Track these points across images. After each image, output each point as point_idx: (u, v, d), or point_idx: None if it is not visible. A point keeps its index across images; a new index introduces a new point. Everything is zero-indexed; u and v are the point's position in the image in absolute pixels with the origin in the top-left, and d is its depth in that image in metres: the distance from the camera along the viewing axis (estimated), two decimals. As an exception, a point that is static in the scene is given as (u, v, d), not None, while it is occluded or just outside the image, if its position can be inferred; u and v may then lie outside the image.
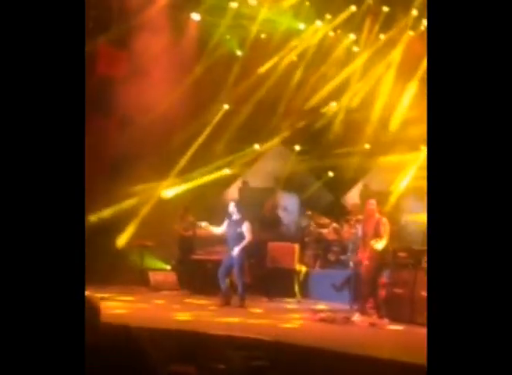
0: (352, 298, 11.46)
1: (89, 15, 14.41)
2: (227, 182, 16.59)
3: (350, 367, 7.47)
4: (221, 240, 12.59)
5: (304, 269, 13.75)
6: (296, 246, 13.89)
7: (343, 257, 13.75)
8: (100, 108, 14.32)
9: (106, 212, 14.55)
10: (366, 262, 10.63)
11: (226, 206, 12.29)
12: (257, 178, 17.05)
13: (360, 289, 10.92)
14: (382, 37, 16.62)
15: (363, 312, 10.59)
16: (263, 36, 16.31)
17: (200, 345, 7.81)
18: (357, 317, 10.45)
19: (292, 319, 10.79)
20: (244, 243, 11.88)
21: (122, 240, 15.03)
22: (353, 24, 16.70)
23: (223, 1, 15.54)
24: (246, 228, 11.93)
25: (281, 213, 16.21)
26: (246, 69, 16.16)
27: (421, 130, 10.60)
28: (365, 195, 15.06)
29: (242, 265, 12.02)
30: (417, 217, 13.36)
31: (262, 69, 16.19)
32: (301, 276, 13.63)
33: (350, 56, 16.89)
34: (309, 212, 15.33)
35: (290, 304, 12.76)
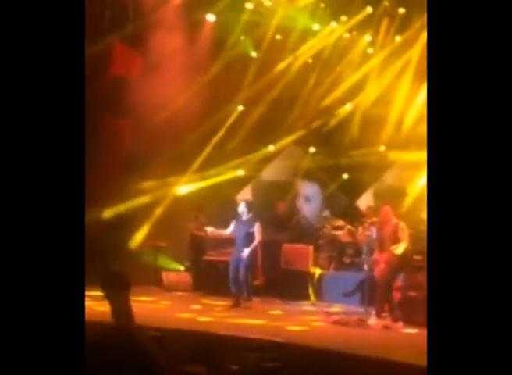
0: (366, 301, 11.39)
1: (104, 15, 14.50)
2: (241, 183, 16.56)
3: (363, 370, 7.42)
4: (233, 241, 12.56)
5: (318, 271, 13.68)
6: (311, 248, 13.84)
7: (357, 259, 13.67)
8: (115, 107, 14.40)
9: (121, 208, 14.60)
10: (382, 266, 10.54)
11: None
12: (272, 173, 17.04)
13: (375, 292, 10.85)
14: (398, 38, 16.54)
15: (379, 315, 10.51)
16: (278, 37, 16.29)
17: (212, 346, 7.80)
18: (373, 320, 10.38)
19: (305, 321, 10.73)
20: (255, 244, 11.83)
21: (136, 240, 15.06)
22: (369, 26, 16.64)
23: (239, 2, 15.53)
24: (257, 228, 11.88)
25: (300, 203, 16.15)
26: (261, 70, 16.15)
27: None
28: (380, 197, 14.97)
29: (249, 266, 11.97)
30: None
31: (277, 70, 16.16)
32: (315, 279, 13.56)
33: (365, 57, 16.83)
34: (324, 214, 15.26)
35: (304, 306, 12.70)
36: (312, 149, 17.32)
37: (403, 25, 16.42)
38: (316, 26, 16.51)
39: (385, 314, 10.58)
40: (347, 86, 16.62)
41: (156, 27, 14.32)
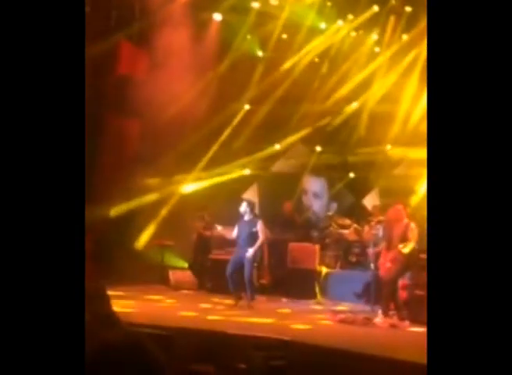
0: (372, 300, 11.38)
1: (111, 15, 14.53)
2: (247, 181, 16.56)
3: (369, 368, 7.42)
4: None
5: (324, 270, 13.69)
6: (317, 247, 13.85)
7: (363, 258, 13.67)
8: (121, 106, 14.41)
9: (127, 206, 14.62)
10: (388, 264, 10.53)
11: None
12: (279, 172, 17.03)
13: (381, 291, 10.84)
14: (405, 37, 16.51)
15: (386, 313, 10.51)
16: (284, 36, 16.28)
17: (219, 345, 7.80)
18: (379, 319, 10.37)
19: (312, 319, 10.74)
20: (259, 243, 11.81)
21: (142, 240, 15.07)
22: (375, 24, 16.61)
23: (245, 1, 15.53)
24: (259, 227, 11.86)
25: (310, 199, 16.14)
26: (267, 69, 16.14)
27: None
28: (386, 196, 14.94)
29: (253, 265, 11.95)
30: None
31: (283, 69, 16.15)
32: (322, 277, 13.56)
33: (372, 56, 16.80)
34: (330, 213, 15.24)
35: (311, 305, 12.70)
36: (318, 148, 17.31)
37: (409, 23, 16.37)
38: (322, 25, 16.48)
39: (391, 313, 10.58)
40: (354, 84, 16.59)
41: (162, 26, 14.33)
